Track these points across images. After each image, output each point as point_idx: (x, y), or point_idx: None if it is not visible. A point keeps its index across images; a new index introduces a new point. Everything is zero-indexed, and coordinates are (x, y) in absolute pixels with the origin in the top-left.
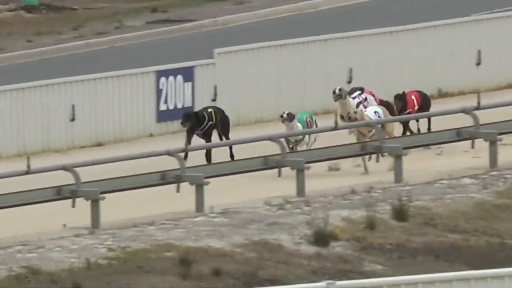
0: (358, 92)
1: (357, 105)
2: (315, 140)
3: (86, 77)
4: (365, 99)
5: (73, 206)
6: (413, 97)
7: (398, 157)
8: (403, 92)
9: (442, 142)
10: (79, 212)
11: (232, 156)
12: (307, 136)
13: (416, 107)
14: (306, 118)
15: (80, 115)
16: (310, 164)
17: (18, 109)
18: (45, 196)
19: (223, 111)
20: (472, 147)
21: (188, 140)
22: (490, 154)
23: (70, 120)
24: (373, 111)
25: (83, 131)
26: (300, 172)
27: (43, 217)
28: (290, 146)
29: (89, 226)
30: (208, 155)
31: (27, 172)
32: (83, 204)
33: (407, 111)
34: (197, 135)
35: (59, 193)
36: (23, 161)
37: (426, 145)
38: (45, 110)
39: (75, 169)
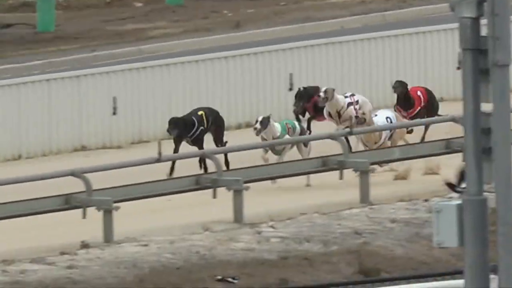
0: (350, 93)
1: (348, 106)
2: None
3: None
4: (357, 101)
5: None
6: (419, 92)
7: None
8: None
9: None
10: None
11: (227, 163)
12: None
13: (423, 104)
14: (286, 124)
15: None
16: None
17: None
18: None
19: (217, 112)
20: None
21: (176, 148)
22: None
23: None
24: (384, 116)
25: None
26: None
27: None
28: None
29: None
30: (202, 162)
31: None
32: None
33: (415, 109)
34: (187, 142)
35: None
36: None
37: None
38: None
39: None
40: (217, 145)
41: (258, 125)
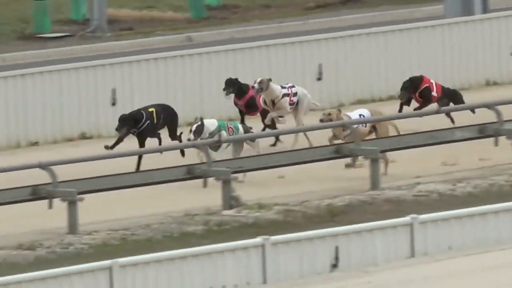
0: (290, 85)
1: (283, 97)
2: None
3: None
4: (295, 93)
5: None
6: (432, 80)
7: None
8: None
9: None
10: None
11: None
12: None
13: (435, 89)
14: (227, 124)
15: None
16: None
17: None
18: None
19: (170, 109)
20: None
21: (120, 140)
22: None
23: None
24: (357, 114)
25: None
26: None
27: None
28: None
29: None
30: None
31: None
32: None
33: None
34: (133, 133)
35: None
36: None
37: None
38: None
39: None
40: (172, 139)
41: (191, 136)
